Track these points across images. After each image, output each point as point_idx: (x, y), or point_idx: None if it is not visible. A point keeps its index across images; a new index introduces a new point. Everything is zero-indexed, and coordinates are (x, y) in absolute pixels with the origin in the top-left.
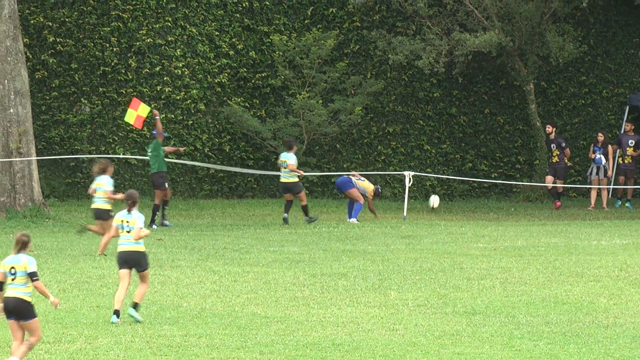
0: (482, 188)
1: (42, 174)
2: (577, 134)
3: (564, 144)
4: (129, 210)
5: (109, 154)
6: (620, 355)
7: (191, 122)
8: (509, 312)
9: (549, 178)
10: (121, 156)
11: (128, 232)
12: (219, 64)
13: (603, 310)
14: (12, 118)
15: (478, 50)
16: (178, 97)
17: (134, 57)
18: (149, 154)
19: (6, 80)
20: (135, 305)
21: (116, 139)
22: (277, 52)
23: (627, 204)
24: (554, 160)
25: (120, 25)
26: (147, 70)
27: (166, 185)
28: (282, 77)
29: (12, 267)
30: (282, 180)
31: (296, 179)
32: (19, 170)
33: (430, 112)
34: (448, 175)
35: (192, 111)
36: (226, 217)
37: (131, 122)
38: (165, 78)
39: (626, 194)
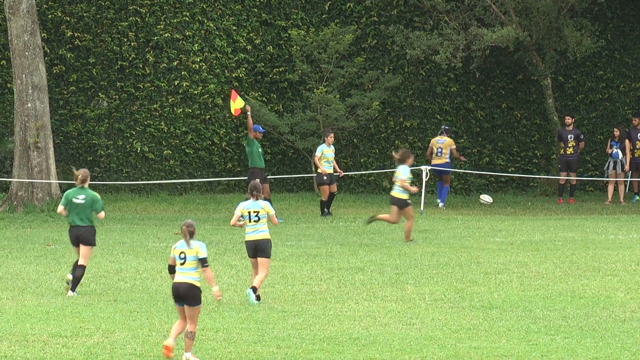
0: (499, 182)
1: (59, 169)
2: (594, 128)
3: (582, 137)
4: (256, 199)
5: (127, 148)
6: (637, 349)
7: (209, 116)
8: (526, 307)
9: (564, 174)
10: (138, 150)
11: (256, 221)
12: (236, 58)
13: (620, 305)
14: (30, 112)
15: (495, 45)
16: (195, 92)
17: (151, 52)
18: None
19: (24, 75)
20: (254, 289)
21: (134, 133)
22: (294, 47)
23: None
24: (568, 152)
25: (138, 19)
26: (165, 65)
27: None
28: (300, 71)
29: (182, 252)
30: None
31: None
32: (37, 164)
33: (447, 106)
34: (465, 169)
35: (210, 106)
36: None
37: (232, 112)
38: (182, 72)
39: None
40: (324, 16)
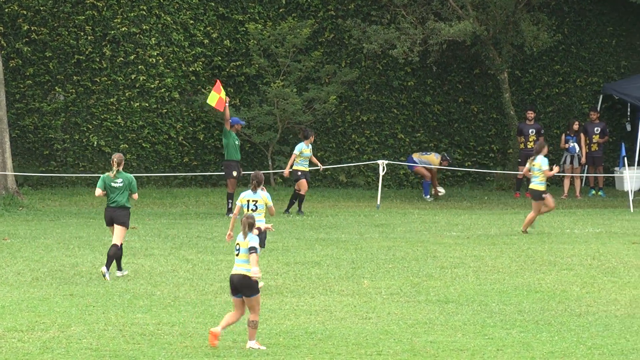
0: (455, 176)
1: (15, 162)
2: (550, 122)
3: (542, 131)
4: (254, 190)
5: (83, 142)
6: (592, 343)
7: (165, 110)
8: (482, 301)
9: (523, 168)
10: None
11: (254, 210)
12: (193, 52)
13: (575, 299)
14: None
15: (452, 39)
16: (152, 86)
17: (108, 46)
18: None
19: None
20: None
21: (90, 127)
22: (252, 41)
23: (600, 193)
24: (529, 147)
25: (95, 13)
26: (122, 59)
27: (233, 174)
28: (257, 65)
29: (237, 244)
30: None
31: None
32: None
33: (404, 100)
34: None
35: (167, 100)
36: (200, 206)
37: (212, 105)
38: (139, 66)
39: (598, 183)
40: (281, 10)
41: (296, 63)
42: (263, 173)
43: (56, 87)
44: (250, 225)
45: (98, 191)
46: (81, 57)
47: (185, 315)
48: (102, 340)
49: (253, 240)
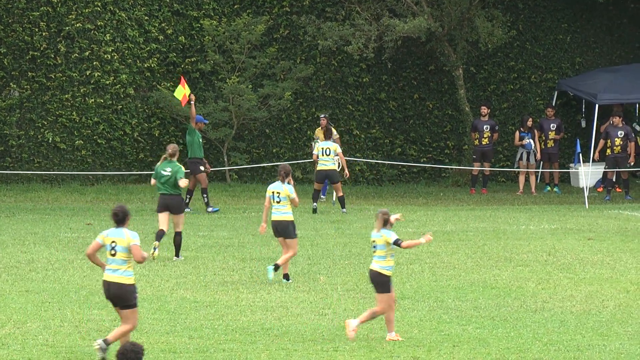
0: (411, 173)
1: None
2: (505, 119)
3: (496, 127)
4: (282, 181)
5: (38, 138)
6: (548, 339)
7: (120, 106)
8: (438, 297)
9: (478, 165)
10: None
11: (278, 202)
12: (148, 48)
13: (531, 295)
14: None
15: (407, 36)
16: (107, 82)
17: (63, 42)
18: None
19: None
20: (277, 267)
21: (45, 123)
22: (206, 37)
23: (555, 189)
24: (483, 142)
25: (50, 9)
26: (77, 55)
27: (201, 168)
28: (212, 62)
29: (373, 241)
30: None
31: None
32: None
33: (359, 97)
34: (377, 160)
35: (122, 96)
36: (155, 202)
37: (179, 99)
38: (94, 63)
39: (553, 179)
40: (236, 6)
41: (251, 59)
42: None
43: (11, 84)
44: (385, 221)
45: (153, 181)
46: (36, 54)
47: (141, 311)
48: (58, 336)
49: (390, 235)
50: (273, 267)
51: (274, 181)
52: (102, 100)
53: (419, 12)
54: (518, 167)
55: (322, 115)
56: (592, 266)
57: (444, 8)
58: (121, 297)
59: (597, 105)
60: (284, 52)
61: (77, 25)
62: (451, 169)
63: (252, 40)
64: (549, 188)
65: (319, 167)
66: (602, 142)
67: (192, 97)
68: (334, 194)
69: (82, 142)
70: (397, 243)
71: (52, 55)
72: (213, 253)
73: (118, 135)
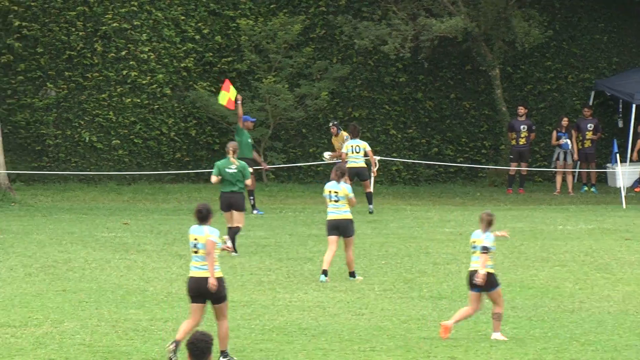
0: (448, 173)
1: (7, 158)
2: (542, 119)
3: (533, 127)
4: (338, 181)
5: (75, 138)
6: (585, 339)
7: (157, 106)
8: None
9: (515, 165)
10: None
11: (336, 201)
12: (184, 48)
13: (568, 295)
14: None
15: (444, 36)
16: (144, 82)
17: (99, 42)
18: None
19: None
20: (325, 272)
21: (82, 123)
22: (243, 37)
23: (592, 189)
24: (521, 143)
25: (86, 9)
26: (113, 55)
27: (250, 170)
28: (248, 61)
29: (473, 241)
30: None
31: None
32: None
33: (396, 97)
34: (414, 159)
35: (158, 95)
36: (192, 202)
37: (224, 104)
38: (131, 62)
39: (590, 179)
40: (272, 6)
41: (287, 59)
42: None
43: (48, 83)
44: (489, 223)
45: (214, 178)
46: (72, 53)
47: (178, 311)
48: (95, 335)
49: (488, 239)
50: (349, 274)
51: (329, 181)
52: (138, 100)
53: (455, 11)
54: (555, 167)
55: (331, 123)
56: (629, 266)
57: (480, 8)
58: (211, 292)
59: (634, 105)
60: (320, 51)
61: (114, 24)
62: (488, 168)
63: (289, 40)
64: (586, 188)
65: (349, 165)
66: (639, 142)
67: (239, 97)
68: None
69: (118, 142)
70: (484, 250)
71: (89, 55)
72: (250, 253)
73: (154, 135)
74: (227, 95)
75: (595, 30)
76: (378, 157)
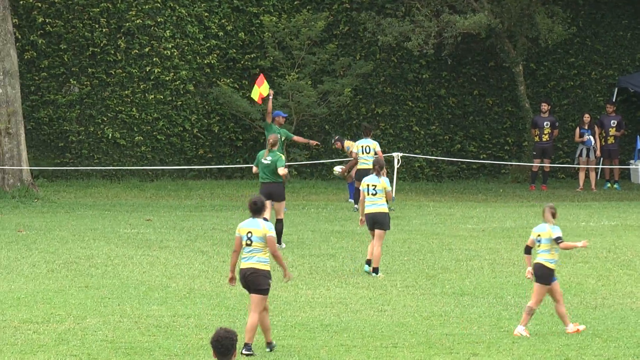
0: (470, 169)
1: (30, 155)
2: (565, 115)
3: (556, 123)
4: (378, 175)
5: (98, 134)
6: (608, 336)
7: (180, 102)
8: (497, 293)
9: (538, 161)
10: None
11: (374, 194)
12: (208, 44)
13: (591, 292)
14: (1, 98)
15: (467, 32)
16: (167, 78)
17: (123, 38)
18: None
19: None
20: (369, 262)
21: (105, 119)
22: (266, 33)
23: (615, 185)
24: (544, 139)
25: (110, 6)
26: (137, 51)
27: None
28: (272, 58)
29: (539, 235)
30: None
31: None
32: (8, 150)
33: (419, 93)
34: (437, 156)
35: (182, 92)
36: (215, 198)
37: (255, 99)
38: (154, 59)
39: (613, 175)
40: (295, 2)
41: (311, 56)
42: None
43: (71, 80)
44: (552, 215)
45: (254, 168)
46: (96, 50)
47: (200, 307)
48: (117, 332)
49: (556, 230)
50: (372, 270)
51: (369, 174)
52: (161, 97)
53: (478, 8)
54: (578, 164)
55: (333, 140)
56: None
57: (504, 4)
58: (254, 281)
59: None
60: (343, 48)
61: (137, 21)
62: (511, 165)
63: (312, 36)
64: (609, 185)
65: (359, 166)
66: None
67: (271, 92)
68: (393, 191)
69: (141, 138)
70: (558, 241)
71: (112, 52)
72: None
73: (177, 132)
74: (258, 91)
75: (618, 26)
76: (401, 154)
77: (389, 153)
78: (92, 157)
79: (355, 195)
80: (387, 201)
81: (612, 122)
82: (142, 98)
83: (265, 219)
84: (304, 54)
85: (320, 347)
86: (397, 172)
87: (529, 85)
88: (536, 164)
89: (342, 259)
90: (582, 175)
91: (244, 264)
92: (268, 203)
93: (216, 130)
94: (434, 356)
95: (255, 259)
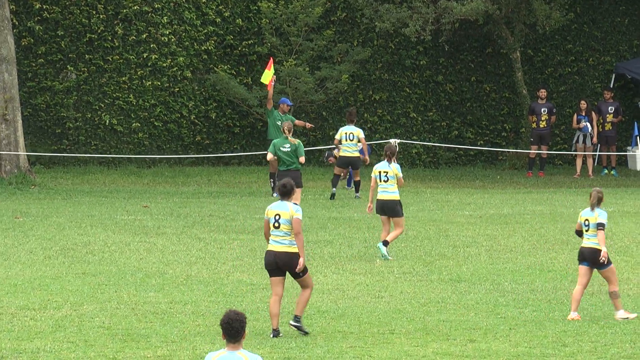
0: (468, 156)
1: (28, 141)
2: (563, 102)
3: (554, 110)
4: (389, 161)
5: (95, 121)
6: (605, 322)
7: (177, 89)
8: (494, 280)
9: (535, 148)
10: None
11: (385, 181)
12: (205, 31)
13: None
14: None
15: (465, 18)
16: (164, 65)
17: (120, 25)
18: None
19: None
20: (386, 243)
21: (102, 106)
22: (264, 20)
23: (612, 172)
24: (541, 126)
25: None
26: (134, 38)
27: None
28: (269, 44)
29: (587, 220)
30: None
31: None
32: (5, 137)
33: (416, 79)
34: (434, 142)
35: (179, 78)
36: (212, 185)
37: (266, 83)
38: (151, 45)
39: (610, 162)
40: None
41: (308, 42)
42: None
43: (68, 66)
44: (599, 200)
45: (269, 155)
46: (93, 36)
47: (197, 294)
48: (114, 318)
49: (602, 216)
50: (382, 243)
51: (380, 161)
52: (159, 83)
53: None
54: (575, 150)
55: (326, 155)
56: None
57: None
58: (291, 265)
59: None
60: (341, 34)
61: (135, 7)
62: (508, 151)
63: (310, 22)
64: (606, 171)
65: (341, 153)
66: None
67: (274, 77)
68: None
69: (139, 125)
70: (600, 226)
71: (110, 38)
72: None
73: (175, 118)
74: (270, 74)
75: (616, 13)
76: (398, 140)
77: (386, 139)
78: (89, 144)
79: (334, 180)
80: (357, 192)
81: (609, 108)
82: (139, 85)
83: (295, 204)
84: (302, 40)
85: (317, 333)
86: (395, 159)
87: (527, 72)
88: (533, 150)
89: (339, 245)
90: (579, 162)
91: (275, 247)
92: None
93: (213, 117)
94: (430, 342)
95: (288, 242)
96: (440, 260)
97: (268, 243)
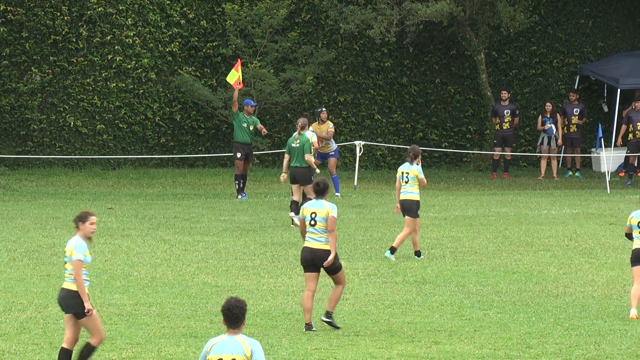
0: (432, 158)
1: None
2: (527, 103)
3: (517, 112)
4: (411, 163)
5: (60, 123)
6: (569, 324)
7: (142, 91)
8: (459, 282)
9: (499, 149)
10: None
11: (406, 182)
12: (170, 33)
13: (553, 280)
14: None
15: (429, 20)
16: (129, 66)
17: (84, 26)
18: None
19: None
20: (393, 250)
21: (67, 107)
22: (228, 21)
23: (577, 174)
24: (504, 127)
25: None
26: (98, 39)
27: (237, 155)
28: (234, 46)
29: (638, 222)
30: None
31: None
32: None
33: (381, 81)
34: (399, 144)
35: (143, 80)
36: (177, 187)
37: (231, 82)
38: (116, 47)
39: (575, 164)
40: None
41: (273, 44)
42: None
43: (32, 68)
44: None
45: (286, 156)
46: (57, 38)
47: (162, 295)
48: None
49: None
50: (389, 251)
51: (403, 162)
52: (123, 85)
53: None
54: (539, 152)
55: (322, 109)
56: (613, 251)
57: None
58: (328, 266)
59: (619, 90)
60: (305, 36)
61: (99, 9)
62: (472, 153)
63: (274, 24)
64: (570, 173)
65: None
66: (624, 127)
67: (239, 78)
68: (355, 179)
69: (103, 127)
70: None
71: (74, 40)
72: (234, 237)
73: (139, 120)
74: (236, 75)
75: (580, 14)
76: (363, 142)
77: (351, 141)
78: (53, 146)
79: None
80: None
81: (574, 110)
82: (103, 86)
83: (295, 202)
84: (266, 42)
85: (282, 335)
86: (359, 161)
87: (491, 74)
88: (497, 152)
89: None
90: (543, 164)
91: (312, 244)
92: (296, 187)
93: (178, 119)
94: (395, 344)
95: (324, 240)
96: (405, 262)
97: (304, 240)
